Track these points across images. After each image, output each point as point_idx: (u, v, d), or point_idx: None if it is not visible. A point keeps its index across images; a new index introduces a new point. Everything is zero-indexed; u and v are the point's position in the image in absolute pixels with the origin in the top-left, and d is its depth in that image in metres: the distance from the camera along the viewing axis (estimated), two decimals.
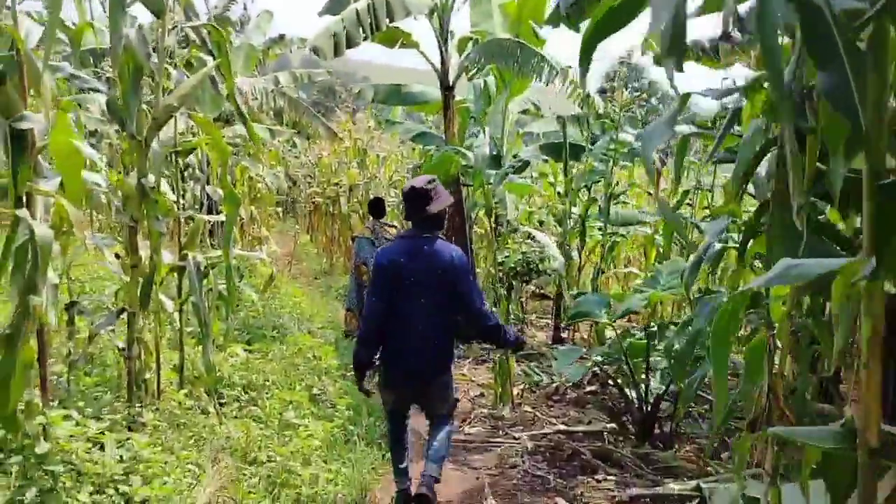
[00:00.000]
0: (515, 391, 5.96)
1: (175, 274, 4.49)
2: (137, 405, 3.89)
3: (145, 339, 4.06)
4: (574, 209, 8.07)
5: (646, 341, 4.68)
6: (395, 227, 8.05)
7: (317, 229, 17.05)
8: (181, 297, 4.47)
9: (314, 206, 16.45)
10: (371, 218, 7.92)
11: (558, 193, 8.50)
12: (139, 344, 3.93)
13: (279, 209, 15.89)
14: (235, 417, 4.47)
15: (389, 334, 3.62)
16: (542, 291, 7.90)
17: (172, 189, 4.76)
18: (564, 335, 8.24)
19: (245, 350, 5.56)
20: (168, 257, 4.40)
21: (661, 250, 6.98)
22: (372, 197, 9.10)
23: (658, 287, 4.79)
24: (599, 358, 4.86)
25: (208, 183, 11.04)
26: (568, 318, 5.68)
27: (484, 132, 5.27)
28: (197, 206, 11.05)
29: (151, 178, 3.93)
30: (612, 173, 7.16)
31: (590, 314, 4.38)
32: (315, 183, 16.28)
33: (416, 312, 3.58)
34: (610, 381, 5.29)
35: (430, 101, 8.77)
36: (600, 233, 8.28)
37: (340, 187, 13.05)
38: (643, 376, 4.76)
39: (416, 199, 3.61)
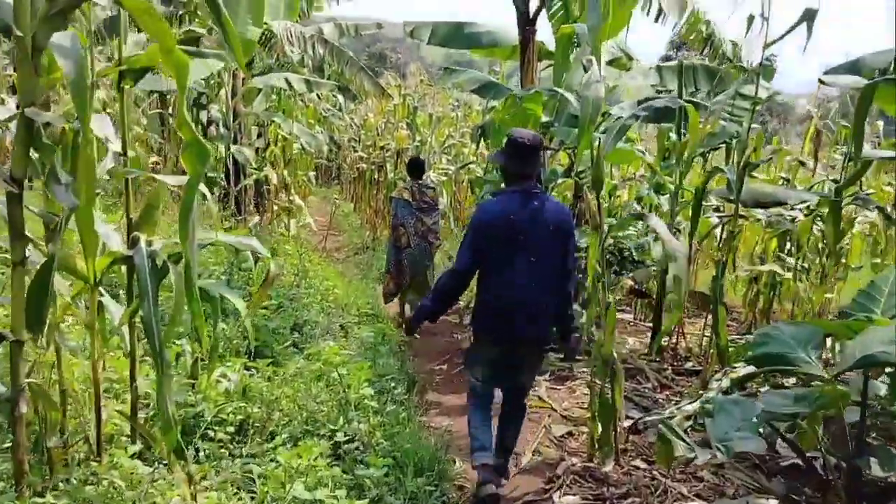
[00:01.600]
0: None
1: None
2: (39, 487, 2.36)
3: (60, 381, 2.51)
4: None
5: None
6: (434, 188, 7.06)
7: (361, 199, 15.48)
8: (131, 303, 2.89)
9: (358, 172, 14.88)
10: (409, 178, 7.00)
11: (666, 161, 6.69)
12: (35, 392, 2.37)
13: (316, 174, 14.31)
14: (216, 490, 2.90)
15: (495, 294, 3.45)
16: (638, 287, 6.13)
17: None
18: (664, 343, 6.51)
19: (247, 367, 3.99)
20: (116, 242, 2.84)
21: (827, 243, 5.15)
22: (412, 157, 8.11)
23: (876, 307, 3.02)
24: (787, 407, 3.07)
25: (235, 142, 9.54)
26: (746, 360, 3.93)
27: (597, 65, 3.56)
28: (222, 172, 9.59)
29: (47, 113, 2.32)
30: (749, 136, 5.30)
31: (788, 360, 2.65)
32: (360, 147, 14.68)
33: (527, 271, 3.39)
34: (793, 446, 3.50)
35: (500, 44, 7.01)
36: (717, 214, 6.46)
37: (387, 151, 11.40)
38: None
39: (531, 152, 3.47)
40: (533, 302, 3.42)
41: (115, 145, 2.75)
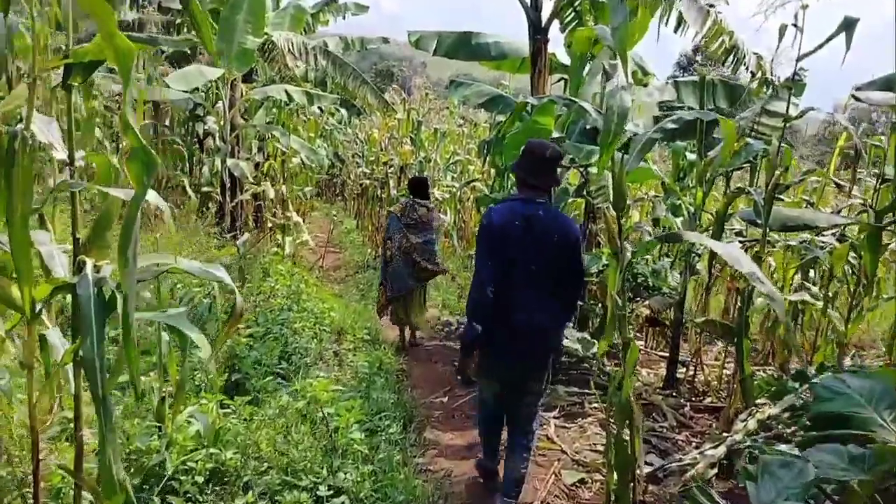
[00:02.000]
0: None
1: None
2: None
3: None
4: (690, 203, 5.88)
5: None
6: (429, 207, 6.84)
7: (363, 215, 15.10)
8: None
9: (361, 188, 14.50)
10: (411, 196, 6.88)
11: (680, 182, 6.29)
12: None
13: (319, 190, 13.94)
14: None
15: (499, 308, 3.33)
16: (654, 316, 5.70)
17: (180, 162, 2.74)
18: (681, 375, 6.07)
19: (224, 405, 3.57)
20: (63, 267, 2.44)
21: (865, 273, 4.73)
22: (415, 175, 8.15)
23: None
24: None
25: (232, 155, 9.19)
26: (810, 421, 3.43)
27: (623, 70, 3.16)
28: (216, 186, 9.22)
29: None
30: (780, 155, 4.89)
31: (858, 423, 2.19)
32: (364, 162, 14.32)
33: (528, 281, 3.36)
34: None
35: (508, 56, 6.65)
36: (739, 239, 6.04)
37: (390, 167, 11.02)
38: None
39: (548, 161, 3.43)
40: (532, 313, 3.37)
41: (62, 153, 2.36)
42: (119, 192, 2.18)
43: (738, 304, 5.99)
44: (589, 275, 5.99)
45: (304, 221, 11.86)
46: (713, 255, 5.86)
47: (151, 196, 2.21)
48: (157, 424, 3.20)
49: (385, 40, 13.00)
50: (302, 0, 11.60)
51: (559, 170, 3.53)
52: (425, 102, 10.83)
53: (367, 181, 13.07)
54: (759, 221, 5.04)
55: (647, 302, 5.61)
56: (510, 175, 7.48)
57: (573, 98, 3.73)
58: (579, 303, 3.59)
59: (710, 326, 5.75)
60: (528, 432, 3.67)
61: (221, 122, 8.70)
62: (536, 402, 3.67)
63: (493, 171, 8.99)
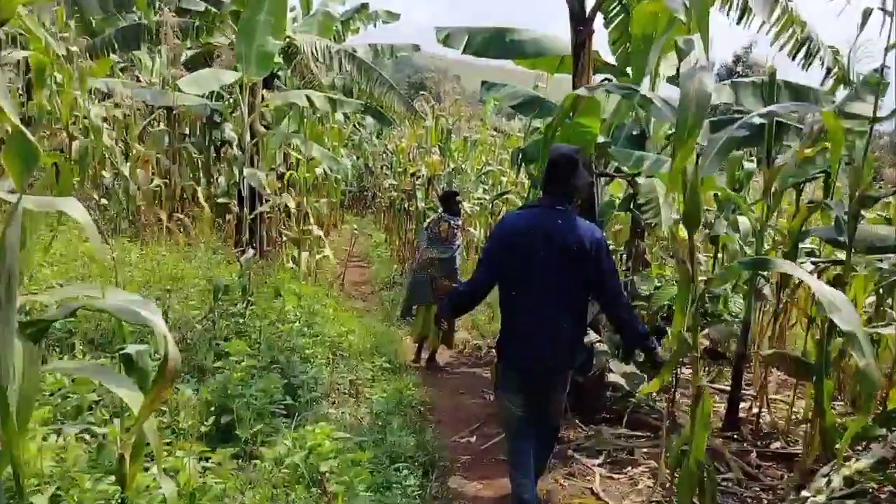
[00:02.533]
0: None
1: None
2: None
3: None
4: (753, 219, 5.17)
5: None
6: (449, 222, 6.80)
7: (392, 229, 14.54)
8: None
9: (390, 201, 13.96)
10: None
11: (733, 192, 5.55)
12: None
13: (346, 202, 13.42)
14: None
15: (513, 319, 3.28)
16: (714, 347, 4.97)
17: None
18: (742, 413, 5.31)
19: (203, 458, 2.96)
20: None
21: None
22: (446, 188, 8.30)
23: None
24: None
25: (252, 165, 8.68)
26: None
27: (705, 45, 2.53)
28: (233, 198, 8.71)
29: None
30: (864, 162, 4.15)
31: None
32: (392, 174, 13.78)
33: (542, 292, 3.19)
34: None
35: (547, 53, 6.00)
36: (812, 260, 5.29)
37: (417, 179, 10.43)
38: None
39: (562, 165, 3.25)
40: (549, 325, 3.21)
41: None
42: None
43: (812, 332, 5.24)
44: (639, 298, 5.30)
45: (329, 235, 11.35)
46: (783, 278, 5.11)
47: (67, 203, 1.61)
48: (118, 486, 2.60)
49: (416, 48, 12.46)
50: (331, 7, 11.17)
51: (581, 176, 3.32)
52: (456, 109, 10.20)
53: (395, 193, 12.51)
54: (841, 240, 4.31)
55: (705, 331, 4.89)
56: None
57: (633, 86, 3.06)
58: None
59: (780, 361, 5.00)
60: (550, 444, 3.69)
61: (240, 130, 8.18)
62: (558, 418, 3.63)
63: (527, 181, 8.36)
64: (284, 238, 7.24)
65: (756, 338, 5.63)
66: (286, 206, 8.43)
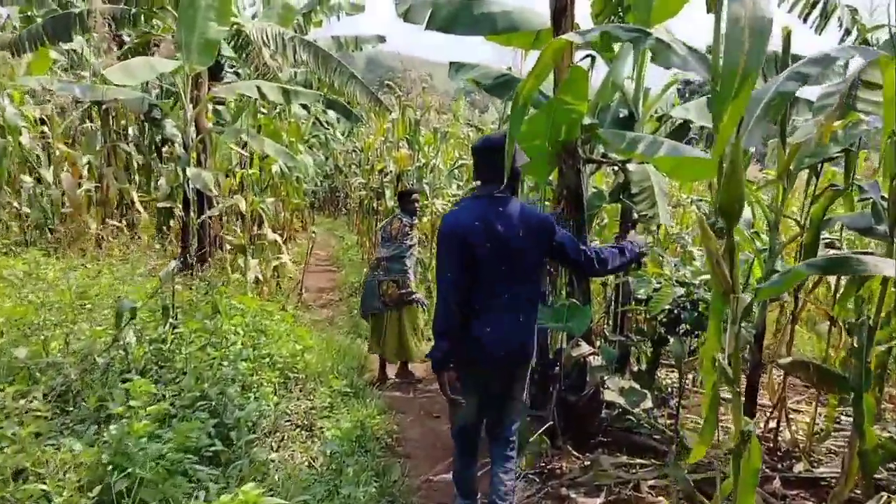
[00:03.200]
0: None
1: None
2: None
3: None
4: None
5: None
6: (401, 218, 6.34)
7: (363, 230, 13.74)
8: None
9: (359, 200, 13.16)
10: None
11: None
12: None
13: (313, 203, 12.61)
14: None
15: (474, 317, 3.12)
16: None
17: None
18: (759, 432, 4.62)
19: None
20: None
21: None
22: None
23: None
24: None
25: (200, 164, 7.85)
26: None
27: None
28: (177, 201, 7.86)
29: None
30: None
31: None
32: (361, 172, 12.98)
33: (498, 284, 3.12)
34: None
35: (520, 27, 5.23)
36: (833, 252, 4.59)
37: (385, 176, 9.65)
38: None
39: (493, 153, 3.09)
40: (512, 316, 3.17)
41: None
42: None
43: (836, 336, 4.56)
44: (636, 302, 4.59)
45: (294, 239, 10.53)
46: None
47: None
48: None
49: (382, 39, 11.71)
50: None
51: (520, 160, 3.30)
52: (424, 99, 9.40)
53: (364, 192, 11.71)
54: (880, 229, 3.63)
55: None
56: (525, 179, 6.10)
57: (644, 28, 2.32)
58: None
59: (801, 369, 4.31)
60: (510, 443, 3.44)
61: (183, 126, 7.35)
62: (518, 409, 3.48)
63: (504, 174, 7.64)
64: (230, 246, 6.38)
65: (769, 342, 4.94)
66: (236, 208, 7.63)
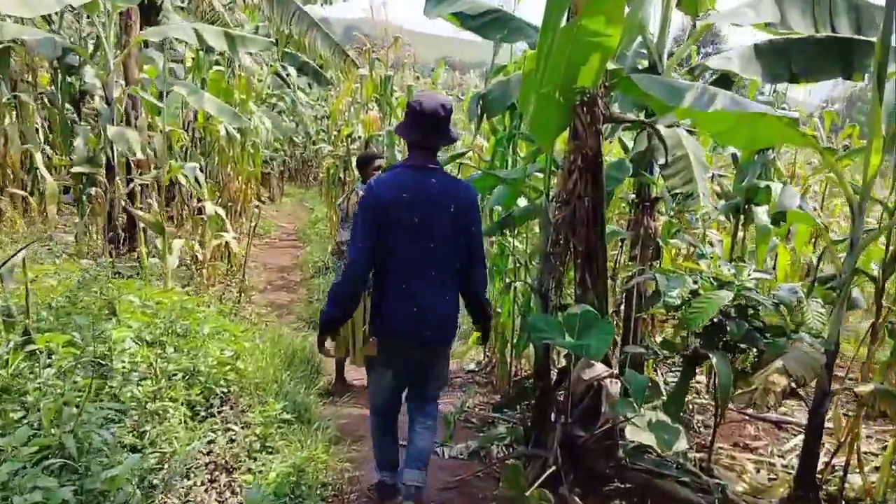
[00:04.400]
0: None
1: None
2: None
3: None
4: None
5: None
6: (359, 192, 5.07)
7: (330, 203, 12.49)
8: None
9: (326, 170, 11.90)
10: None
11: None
12: None
13: (283, 172, 11.37)
14: None
15: (392, 288, 3.00)
16: (795, 387, 3.19)
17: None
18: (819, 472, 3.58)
19: None
20: None
21: None
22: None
23: None
24: None
25: (123, 122, 6.57)
26: None
27: None
28: (99, 166, 6.59)
29: None
30: None
31: None
32: (328, 138, 11.71)
33: (425, 260, 2.98)
34: None
35: None
36: None
37: (353, 142, 8.42)
38: None
39: (440, 119, 2.96)
40: (435, 296, 3.02)
41: None
42: None
43: None
44: (667, 307, 3.50)
45: (246, 213, 9.32)
46: (886, 274, 3.35)
47: None
48: None
49: None
50: None
51: (454, 129, 3.05)
52: (396, 49, 8.12)
53: (330, 160, 10.47)
54: None
55: (780, 364, 3.10)
56: (518, 142, 4.95)
57: None
58: None
59: (886, 400, 3.28)
60: (430, 412, 3.28)
61: (104, 76, 6.07)
62: (440, 387, 3.37)
63: (489, 141, 6.48)
64: (143, 223, 5.05)
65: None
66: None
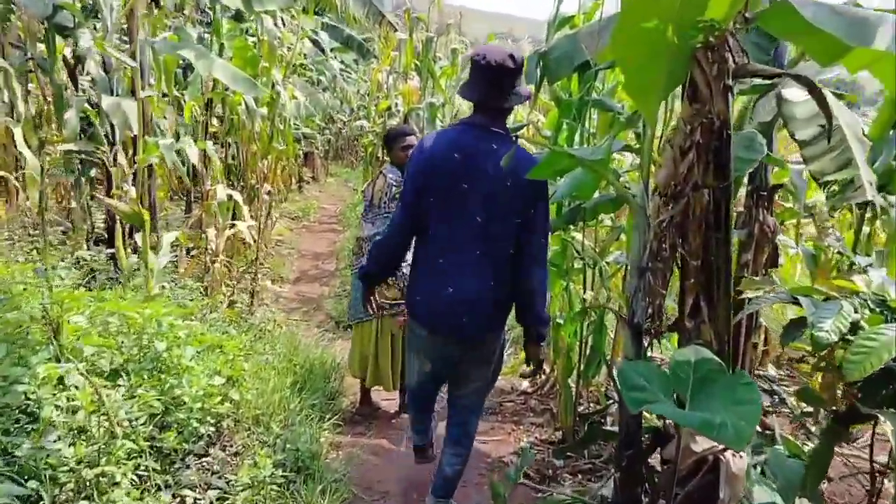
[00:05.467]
0: None
1: None
2: None
3: None
4: None
5: None
6: (389, 178, 4.09)
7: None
8: None
9: (365, 148, 11.00)
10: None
11: None
12: None
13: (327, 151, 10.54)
14: None
15: (428, 262, 2.65)
16: None
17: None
18: None
19: None
20: None
21: None
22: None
23: None
24: None
25: (133, 93, 5.74)
26: None
27: None
28: (98, 142, 5.77)
29: None
30: None
31: None
32: (366, 113, 10.78)
33: (469, 236, 2.56)
34: None
35: None
36: None
37: (391, 117, 7.45)
38: None
39: (506, 73, 2.52)
40: (476, 280, 2.58)
41: None
42: None
43: None
44: (817, 346, 2.45)
45: (273, 195, 8.47)
46: None
47: None
48: None
49: None
50: None
51: (524, 89, 2.60)
52: (439, 6, 7.00)
53: (369, 137, 9.54)
54: None
55: None
56: (588, 114, 3.91)
57: None
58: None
59: None
60: (467, 429, 2.95)
61: (102, 38, 5.22)
62: (480, 392, 2.95)
63: (548, 110, 5.42)
64: (119, 211, 4.10)
65: None
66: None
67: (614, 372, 2.67)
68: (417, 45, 7.14)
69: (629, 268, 2.53)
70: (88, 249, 5.39)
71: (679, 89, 2.21)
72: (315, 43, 11.51)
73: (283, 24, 8.11)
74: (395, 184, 4.00)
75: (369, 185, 4.29)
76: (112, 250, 5.06)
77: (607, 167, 2.42)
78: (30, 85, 6.04)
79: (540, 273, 2.68)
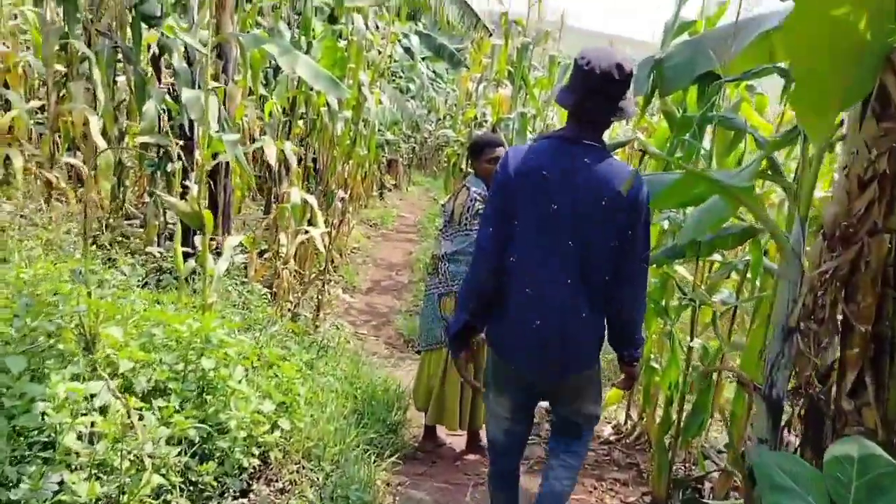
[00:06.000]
0: None
1: None
2: None
3: None
4: None
5: None
6: (472, 192, 3.67)
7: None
8: None
9: (448, 158, 10.68)
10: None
11: None
12: None
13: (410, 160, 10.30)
14: None
15: (514, 291, 2.34)
16: None
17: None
18: None
19: None
20: None
21: None
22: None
23: None
24: None
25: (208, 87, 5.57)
26: None
27: None
28: (165, 133, 5.61)
29: None
30: None
31: None
32: (452, 122, 10.47)
33: (560, 261, 2.28)
34: None
35: None
36: None
37: (479, 125, 7.07)
38: None
39: (611, 83, 2.22)
40: (567, 310, 2.28)
41: None
42: None
43: None
44: None
45: (358, 202, 8.24)
46: None
47: None
48: None
49: None
50: None
51: (631, 102, 2.28)
52: (538, 8, 6.53)
53: (452, 147, 9.20)
54: None
55: None
56: (701, 131, 3.39)
57: None
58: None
59: None
60: (574, 449, 2.56)
61: (187, 28, 5.06)
62: (586, 421, 2.57)
63: (658, 125, 4.89)
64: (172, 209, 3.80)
65: None
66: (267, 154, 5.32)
67: (746, 458, 2.15)
68: (512, 52, 6.74)
69: (772, 327, 2.01)
70: (159, 245, 5.24)
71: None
72: (406, 50, 11.30)
73: (377, 28, 7.90)
74: (478, 199, 3.60)
75: (451, 198, 3.90)
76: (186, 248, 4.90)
77: (753, 197, 1.93)
78: (118, 77, 5.98)
79: (638, 297, 2.42)
